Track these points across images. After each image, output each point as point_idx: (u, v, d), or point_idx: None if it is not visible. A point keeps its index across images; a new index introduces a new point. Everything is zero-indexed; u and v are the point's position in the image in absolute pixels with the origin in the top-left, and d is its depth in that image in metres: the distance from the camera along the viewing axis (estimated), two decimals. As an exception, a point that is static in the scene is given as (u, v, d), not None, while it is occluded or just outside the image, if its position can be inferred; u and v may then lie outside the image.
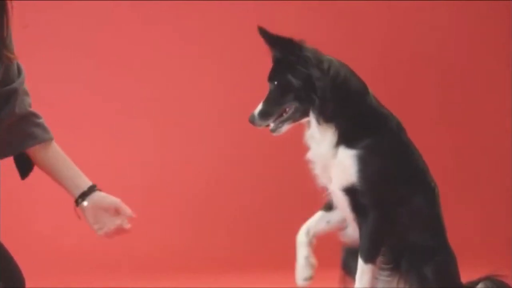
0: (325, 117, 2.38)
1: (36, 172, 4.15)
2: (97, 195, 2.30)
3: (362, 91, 2.44)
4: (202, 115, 4.33)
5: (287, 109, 2.43)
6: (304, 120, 2.45)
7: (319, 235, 2.53)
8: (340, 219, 2.52)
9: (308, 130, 2.46)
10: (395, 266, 2.43)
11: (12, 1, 2.12)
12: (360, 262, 2.41)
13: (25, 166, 2.32)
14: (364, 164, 2.38)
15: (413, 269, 2.40)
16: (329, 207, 2.54)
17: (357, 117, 2.41)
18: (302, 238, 2.53)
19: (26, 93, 2.28)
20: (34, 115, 2.28)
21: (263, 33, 2.42)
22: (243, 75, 4.23)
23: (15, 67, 2.25)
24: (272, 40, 2.41)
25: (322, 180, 2.49)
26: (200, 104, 4.34)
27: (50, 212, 4.18)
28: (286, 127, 2.46)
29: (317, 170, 2.47)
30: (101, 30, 4.32)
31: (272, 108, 2.44)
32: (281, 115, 2.45)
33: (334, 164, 2.42)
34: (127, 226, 2.34)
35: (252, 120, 2.47)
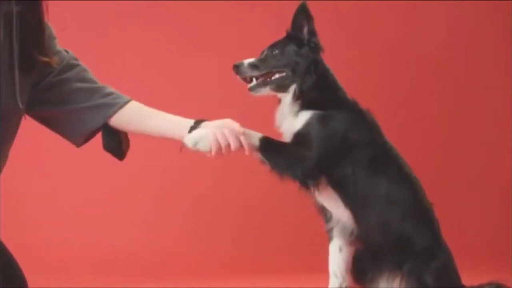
0: (302, 104, 2.43)
1: (37, 172, 4.17)
2: (206, 123, 2.28)
3: (337, 87, 2.49)
4: (205, 116, 4.31)
5: (277, 74, 2.46)
6: (280, 95, 2.47)
7: (346, 268, 2.49)
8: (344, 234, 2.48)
9: (279, 107, 2.49)
10: (393, 268, 2.40)
11: (48, 4, 2.09)
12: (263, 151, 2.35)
13: (118, 147, 2.29)
14: (317, 121, 2.38)
15: (413, 274, 2.35)
16: (331, 236, 2.52)
17: (326, 103, 2.44)
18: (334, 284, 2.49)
19: (85, 69, 2.26)
20: (102, 87, 2.24)
21: (303, 9, 2.48)
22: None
23: (63, 53, 2.24)
24: (308, 18, 2.48)
25: None
26: (203, 105, 4.32)
27: (53, 213, 4.18)
28: (265, 91, 2.47)
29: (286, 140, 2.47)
30: (100, 29, 4.31)
31: (264, 65, 2.47)
32: (267, 78, 2.47)
33: (295, 125, 2.43)
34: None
35: (238, 65, 2.47)
